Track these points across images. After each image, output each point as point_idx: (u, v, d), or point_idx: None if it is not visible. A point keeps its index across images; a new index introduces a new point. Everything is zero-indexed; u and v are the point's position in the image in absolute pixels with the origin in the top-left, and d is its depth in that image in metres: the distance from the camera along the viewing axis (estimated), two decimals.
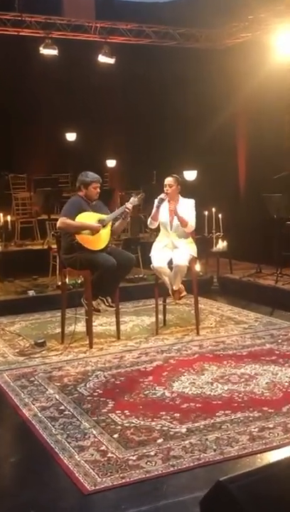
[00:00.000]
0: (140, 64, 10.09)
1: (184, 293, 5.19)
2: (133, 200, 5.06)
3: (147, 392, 3.84)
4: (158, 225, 5.26)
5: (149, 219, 5.25)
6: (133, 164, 11.50)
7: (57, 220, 5.07)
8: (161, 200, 5.12)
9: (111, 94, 11.54)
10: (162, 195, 5.13)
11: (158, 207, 5.12)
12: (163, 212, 5.19)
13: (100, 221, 4.84)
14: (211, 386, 3.90)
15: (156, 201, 5.15)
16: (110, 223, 4.93)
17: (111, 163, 12.71)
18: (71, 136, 12.92)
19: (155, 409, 3.54)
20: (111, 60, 8.84)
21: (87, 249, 4.76)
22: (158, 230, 5.40)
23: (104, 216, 4.90)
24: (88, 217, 4.84)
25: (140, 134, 11.31)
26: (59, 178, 10.95)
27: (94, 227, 4.77)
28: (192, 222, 5.14)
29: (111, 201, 9.74)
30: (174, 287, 5.10)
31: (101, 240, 4.85)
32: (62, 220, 4.80)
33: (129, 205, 4.98)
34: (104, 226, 4.85)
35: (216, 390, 3.82)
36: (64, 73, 10.71)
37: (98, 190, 4.94)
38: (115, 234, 5.27)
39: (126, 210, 4.93)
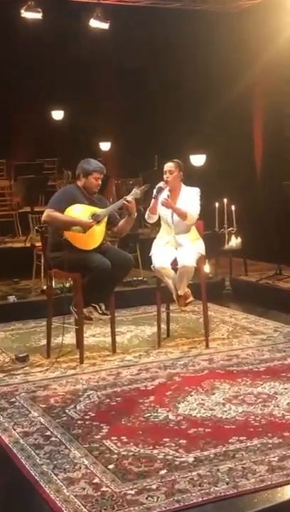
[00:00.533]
0: (138, 30, 10.09)
1: (191, 298, 5.19)
2: (135, 193, 5.01)
3: (148, 414, 3.84)
4: (159, 218, 5.26)
5: (147, 212, 5.24)
6: (131, 147, 11.51)
7: (41, 213, 5.07)
8: (160, 190, 5.10)
9: (105, 65, 11.54)
10: (161, 184, 5.12)
11: (155, 197, 5.10)
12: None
13: (94, 216, 4.82)
14: (223, 408, 3.90)
15: (155, 191, 5.14)
16: (105, 219, 4.92)
17: (105, 146, 12.74)
18: (58, 115, 12.95)
19: (157, 435, 3.54)
20: (105, 25, 8.84)
21: (78, 248, 4.76)
22: (159, 224, 5.41)
23: (98, 210, 4.89)
24: (81, 211, 4.82)
25: (139, 112, 11.30)
26: (44, 164, 10.97)
27: (86, 224, 4.76)
28: (192, 211, 5.10)
29: (106, 191, 9.73)
30: (179, 292, 5.11)
31: (94, 238, 4.84)
32: (48, 213, 4.80)
33: (129, 197, 4.94)
34: (98, 222, 4.84)
35: (229, 413, 3.82)
36: (49, 41, 10.71)
37: (99, 182, 4.92)
38: (121, 234, 5.25)
39: (125, 203, 4.91)
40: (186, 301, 5.16)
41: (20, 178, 9.02)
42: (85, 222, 4.77)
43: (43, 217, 4.85)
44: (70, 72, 11.68)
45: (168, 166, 5.17)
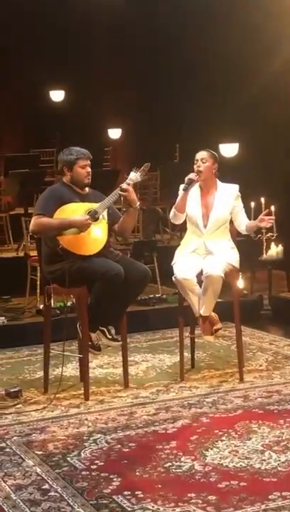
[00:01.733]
0: None
1: (219, 325, 5.16)
2: (135, 176, 5.01)
3: (169, 464, 3.83)
4: (185, 219, 5.27)
5: (173, 210, 5.24)
6: (147, 135, 11.57)
7: None
8: (191, 182, 5.12)
9: (115, 36, 11.61)
10: (191, 175, 5.13)
11: (186, 190, 5.11)
12: (191, 202, 5.19)
13: (90, 213, 4.85)
14: (261, 456, 3.88)
15: (182, 186, 5.14)
16: (105, 215, 4.93)
17: (115, 133, 12.80)
18: (58, 96, 13.05)
19: (180, 490, 3.53)
20: None
21: (77, 254, 4.78)
22: (182, 228, 5.40)
23: (94, 205, 4.91)
24: (73, 211, 4.85)
25: (156, 92, 11.36)
26: (40, 156, 11.07)
27: (80, 222, 4.77)
28: (244, 217, 5.23)
29: (115, 187, 9.78)
30: (201, 311, 5.08)
31: (96, 239, 4.86)
32: (34, 221, 4.85)
33: (124, 184, 4.92)
34: (95, 219, 4.86)
35: (269, 462, 3.80)
36: (49, 6, 10.81)
37: (88, 169, 4.97)
38: (123, 233, 5.27)
39: (122, 193, 4.89)
40: (213, 327, 5.13)
41: (12, 173, 9.08)
42: (80, 220, 4.78)
43: (31, 226, 4.93)
44: (72, 44, 11.76)
45: (201, 154, 5.20)
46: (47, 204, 4.88)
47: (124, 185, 4.93)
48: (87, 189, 5.03)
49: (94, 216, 4.85)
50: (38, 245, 5.23)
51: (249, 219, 7.25)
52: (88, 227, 4.80)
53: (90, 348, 4.93)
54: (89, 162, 5.00)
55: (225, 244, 5.18)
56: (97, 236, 4.88)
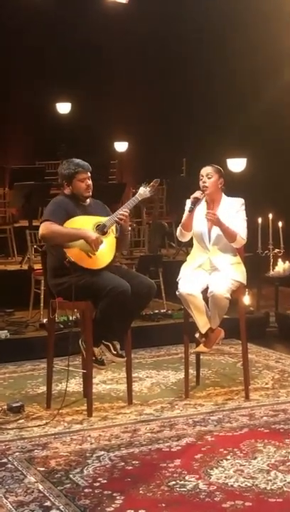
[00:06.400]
0: (166, 5, 10.19)
1: (221, 334, 5.16)
2: (144, 192, 5.06)
3: (173, 483, 3.82)
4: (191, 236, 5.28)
5: (179, 228, 5.26)
6: (153, 148, 11.60)
7: None
8: (196, 201, 5.13)
9: (122, 48, 11.68)
10: (197, 194, 5.15)
11: (191, 210, 5.13)
12: (197, 218, 5.20)
13: (98, 227, 4.87)
14: (267, 476, 3.87)
15: (189, 202, 5.16)
16: (114, 229, 4.95)
17: (121, 146, 12.84)
18: (64, 108, 13.10)
19: (184, 509, 3.52)
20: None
21: (85, 268, 4.78)
22: (189, 244, 5.39)
23: (103, 219, 4.93)
24: (82, 224, 4.87)
25: (163, 105, 11.40)
26: (46, 168, 11.09)
27: (91, 238, 4.77)
28: (242, 232, 5.14)
29: (121, 201, 9.82)
30: (211, 324, 5.06)
31: (104, 253, 4.87)
32: (46, 225, 4.83)
33: (136, 199, 4.98)
34: (104, 233, 4.87)
35: (274, 482, 3.78)
36: (55, 17, 10.89)
37: (88, 182, 4.97)
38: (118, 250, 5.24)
39: (117, 219, 4.90)
40: (217, 338, 5.11)
41: (17, 185, 9.11)
42: (91, 236, 4.77)
43: (40, 231, 4.89)
44: (80, 56, 11.82)
45: (206, 169, 5.19)
46: (57, 212, 4.87)
47: (121, 212, 4.94)
48: (88, 200, 5.05)
49: (102, 230, 4.87)
50: (42, 258, 5.23)
51: (256, 236, 7.26)
52: (99, 244, 4.81)
53: (94, 363, 4.93)
54: (89, 175, 4.99)
55: (231, 260, 5.18)
56: (105, 250, 4.88)
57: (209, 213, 5.07)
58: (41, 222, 4.93)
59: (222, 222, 5.06)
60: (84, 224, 4.88)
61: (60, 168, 5.11)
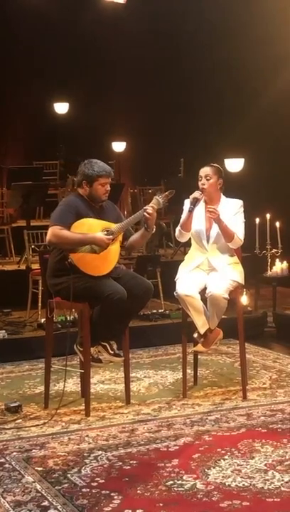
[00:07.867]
0: (164, 4, 10.19)
1: (220, 335, 5.16)
2: (157, 202, 4.99)
3: (170, 482, 3.82)
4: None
5: (178, 228, 5.25)
6: (152, 148, 11.61)
7: (39, 228, 5.12)
8: (195, 201, 5.13)
9: (120, 48, 11.69)
10: (196, 194, 5.14)
11: (191, 211, 5.13)
12: (196, 218, 5.20)
13: (106, 233, 4.86)
14: (264, 475, 3.87)
15: (188, 202, 5.16)
16: (120, 236, 4.94)
17: (119, 146, 12.84)
18: (61, 108, 13.10)
19: (182, 509, 3.52)
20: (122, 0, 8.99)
21: (86, 274, 4.77)
22: (186, 244, 5.39)
23: (112, 225, 4.90)
24: (90, 226, 4.84)
25: (161, 105, 11.41)
26: (44, 168, 11.10)
27: (101, 240, 4.75)
28: (239, 233, 5.14)
29: (119, 201, 9.83)
30: (210, 324, 5.07)
31: (107, 261, 4.84)
32: (54, 231, 4.77)
33: (150, 208, 4.93)
34: (111, 240, 4.84)
35: (272, 482, 3.78)
36: (53, 17, 10.89)
37: (107, 187, 4.91)
38: (132, 250, 5.25)
39: (146, 215, 4.92)
40: (216, 338, 5.12)
41: (14, 186, 9.11)
42: (101, 238, 4.75)
43: (48, 236, 4.82)
44: (77, 56, 11.83)
45: (205, 170, 5.17)
46: (66, 215, 4.82)
47: (149, 209, 4.91)
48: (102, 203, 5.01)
49: (112, 236, 4.84)
50: (41, 259, 5.22)
51: (254, 236, 7.27)
52: (107, 246, 4.79)
53: (91, 362, 4.93)
54: (110, 180, 4.94)
55: (229, 260, 5.18)
56: (109, 257, 4.86)
57: (210, 208, 5.07)
58: (50, 227, 4.85)
59: (221, 220, 5.07)
60: (92, 227, 4.83)
61: (82, 166, 4.94)
